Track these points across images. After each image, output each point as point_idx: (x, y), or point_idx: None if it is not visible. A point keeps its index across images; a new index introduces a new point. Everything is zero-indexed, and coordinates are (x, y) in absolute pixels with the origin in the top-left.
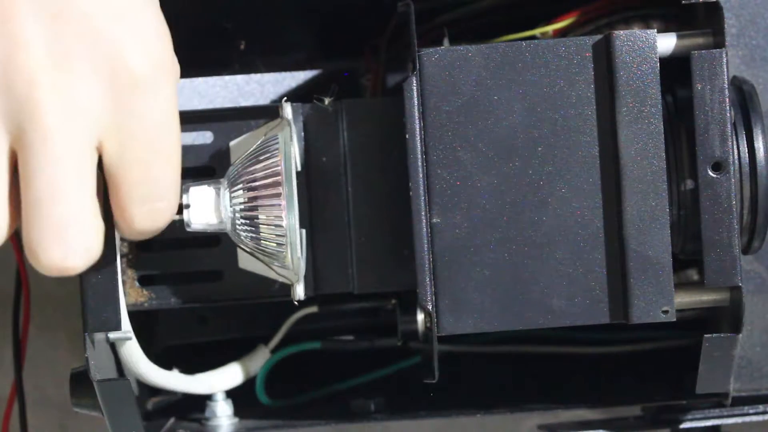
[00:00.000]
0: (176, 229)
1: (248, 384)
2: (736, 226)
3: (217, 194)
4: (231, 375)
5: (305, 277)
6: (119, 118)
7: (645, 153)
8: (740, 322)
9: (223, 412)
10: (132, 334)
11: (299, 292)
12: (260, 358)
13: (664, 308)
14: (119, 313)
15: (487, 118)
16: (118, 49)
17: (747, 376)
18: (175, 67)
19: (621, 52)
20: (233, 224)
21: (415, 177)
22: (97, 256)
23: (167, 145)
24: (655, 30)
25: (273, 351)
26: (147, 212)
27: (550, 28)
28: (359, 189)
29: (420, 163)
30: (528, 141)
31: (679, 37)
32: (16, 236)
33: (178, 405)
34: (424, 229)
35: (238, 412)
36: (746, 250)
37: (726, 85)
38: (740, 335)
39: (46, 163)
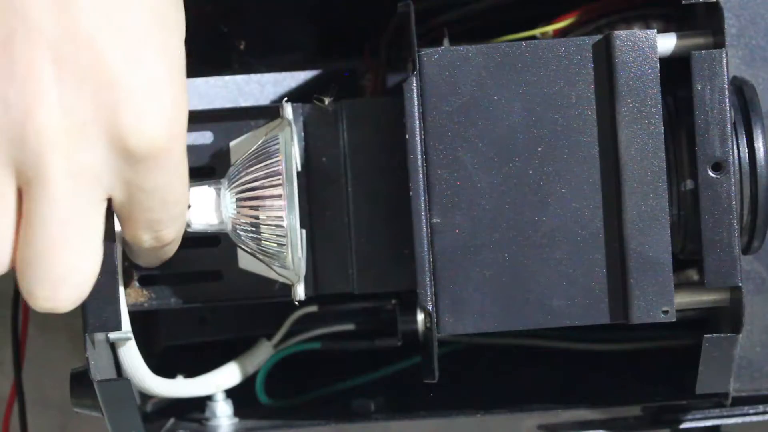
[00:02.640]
0: None
1: (248, 384)
2: (736, 226)
3: (218, 195)
4: (234, 372)
5: (305, 277)
6: (128, 178)
7: (645, 153)
8: (740, 322)
9: (222, 412)
10: (138, 354)
11: (299, 292)
12: (263, 353)
13: (664, 308)
14: (119, 313)
15: (487, 118)
16: (136, 124)
17: (747, 376)
18: (186, 127)
19: (621, 52)
20: (234, 225)
21: (415, 177)
22: (83, 299)
23: (175, 197)
24: (655, 30)
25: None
26: (153, 238)
27: (550, 28)
28: (359, 189)
29: (420, 163)
30: (528, 141)
31: (679, 37)
32: None
33: (177, 405)
34: (424, 229)
35: (238, 412)
36: (746, 250)
37: (726, 85)
38: (740, 335)
39: (49, 223)
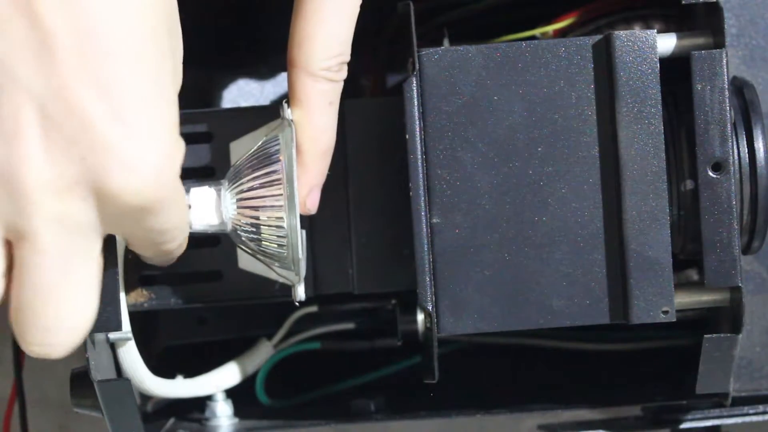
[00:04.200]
0: None
1: (248, 384)
2: (736, 226)
3: (218, 195)
4: (234, 372)
5: (305, 277)
6: (124, 225)
7: (645, 153)
8: (740, 322)
9: (223, 412)
10: (137, 355)
11: (300, 292)
12: (263, 353)
13: (664, 308)
14: (119, 314)
15: (487, 118)
16: (125, 183)
17: (747, 376)
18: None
19: (621, 52)
20: (234, 225)
21: (415, 177)
22: (75, 348)
23: (175, 227)
24: (655, 30)
25: (275, 348)
26: (157, 254)
27: (550, 28)
28: (359, 189)
29: (420, 163)
30: (528, 141)
31: (679, 37)
32: None
33: (178, 405)
34: (424, 229)
35: (238, 412)
36: (746, 250)
37: (726, 85)
38: (740, 335)
39: (37, 272)
